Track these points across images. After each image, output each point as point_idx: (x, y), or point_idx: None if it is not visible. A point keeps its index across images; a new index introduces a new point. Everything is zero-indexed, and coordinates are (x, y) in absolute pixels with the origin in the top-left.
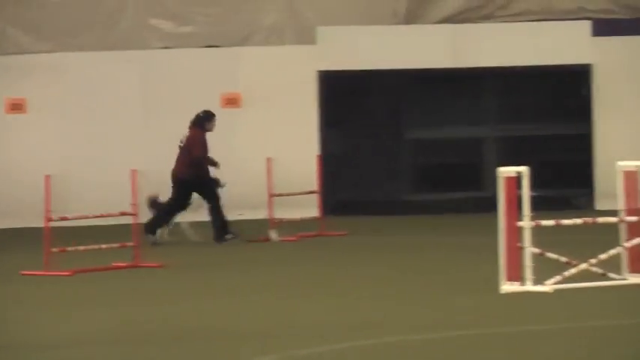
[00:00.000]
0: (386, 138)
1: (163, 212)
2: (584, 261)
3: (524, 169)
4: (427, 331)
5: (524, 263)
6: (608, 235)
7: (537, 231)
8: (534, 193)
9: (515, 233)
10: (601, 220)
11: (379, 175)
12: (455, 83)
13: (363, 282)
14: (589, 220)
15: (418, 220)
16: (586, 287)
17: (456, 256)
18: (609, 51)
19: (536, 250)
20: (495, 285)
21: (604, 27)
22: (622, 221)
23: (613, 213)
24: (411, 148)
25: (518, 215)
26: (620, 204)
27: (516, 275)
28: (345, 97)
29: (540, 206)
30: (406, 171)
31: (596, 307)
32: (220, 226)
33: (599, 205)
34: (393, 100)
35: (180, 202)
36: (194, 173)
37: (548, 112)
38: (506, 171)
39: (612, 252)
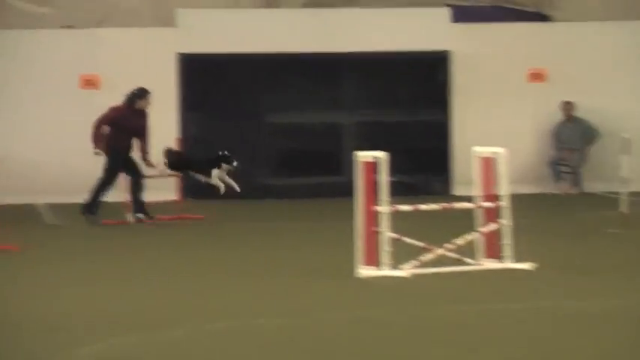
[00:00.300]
0: (246, 122)
1: (97, 191)
2: (441, 246)
3: (382, 155)
4: (281, 315)
5: (381, 248)
6: (465, 221)
7: (395, 216)
8: (392, 179)
9: (372, 218)
10: (458, 205)
11: (239, 159)
12: (316, 68)
13: (217, 267)
14: (446, 205)
15: (277, 205)
16: (442, 272)
17: (313, 241)
18: (467, 38)
19: (394, 235)
20: (352, 270)
21: (463, 14)
22: (478, 207)
23: (469, 199)
24: (270, 132)
25: (376, 200)
26: (476, 190)
27: (373, 260)
28: (205, 80)
29: (398, 191)
30: (266, 155)
31: (451, 291)
32: (93, 201)
33: (456, 190)
34: (253, 84)
35: (111, 175)
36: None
37: (407, 98)
38: (363, 156)
39: (468, 237)
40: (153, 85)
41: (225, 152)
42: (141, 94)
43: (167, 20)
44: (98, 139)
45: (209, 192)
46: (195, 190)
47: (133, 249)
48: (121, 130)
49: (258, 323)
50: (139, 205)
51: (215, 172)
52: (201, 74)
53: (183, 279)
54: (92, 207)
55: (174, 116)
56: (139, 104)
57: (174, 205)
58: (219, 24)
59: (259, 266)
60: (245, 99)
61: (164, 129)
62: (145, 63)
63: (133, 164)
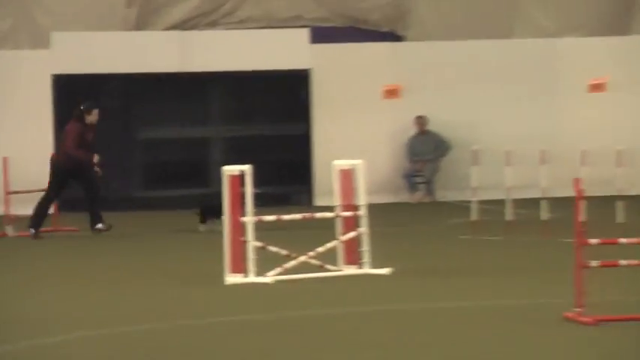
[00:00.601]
0: (118, 138)
1: (42, 203)
2: (304, 254)
3: (247, 168)
4: (151, 321)
5: (247, 256)
6: (326, 230)
7: (260, 226)
8: (257, 191)
9: (238, 228)
10: (319, 215)
11: (112, 173)
12: (183, 86)
13: (88, 276)
14: (308, 215)
15: (148, 216)
16: (305, 278)
17: (183, 250)
18: (326, 57)
19: (259, 244)
20: (220, 277)
21: (321, 35)
22: (338, 216)
23: (330, 209)
24: (141, 147)
25: (242, 211)
26: (336, 200)
27: (240, 268)
28: (79, 99)
29: (263, 203)
30: (137, 169)
31: (314, 296)
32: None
33: (318, 201)
34: (124, 102)
35: (56, 188)
36: (70, 162)
37: (271, 114)
38: (230, 170)
39: (329, 245)
40: (29, 105)
41: None
42: (89, 109)
43: (42, 43)
44: (84, 155)
45: (82, 205)
46: (71, 204)
47: (6, 260)
48: (82, 146)
49: (125, 331)
50: (97, 217)
51: None
52: (75, 94)
53: (53, 288)
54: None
55: (49, 134)
56: (88, 119)
57: (52, 218)
58: (92, 46)
59: (128, 274)
60: (117, 116)
61: (40, 146)
62: (21, 84)
63: (92, 178)
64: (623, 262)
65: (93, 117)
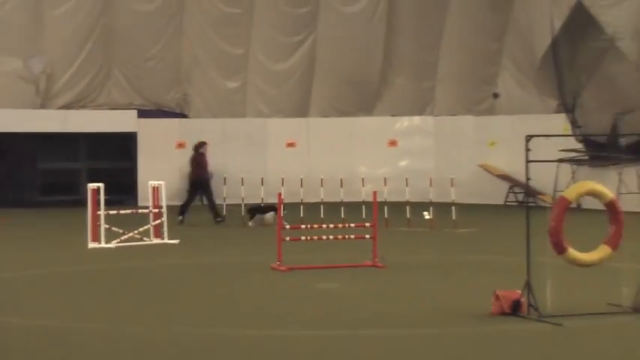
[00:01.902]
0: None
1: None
2: (132, 231)
3: (100, 185)
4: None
5: (100, 232)
6: (146, 217)
7: (108, 216)
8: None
9: (96, 218)
10: (140, 210)
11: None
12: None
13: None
14: (134, 210)
15: None
16: (132, 245)
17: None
18: (144, 124)
19: (107, 226)
20: (85, 245)
21: (142, 113)
22: (150, 211)
23: (146, 207)
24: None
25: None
26: (150, 202)
27: (96, 238)
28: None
29: (111, 204)
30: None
31: (135, 254)
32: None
33: (140, 203)
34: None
35: (193, 196)
36: (197, 178)
37: (115, 155)
38: (91, 186)
39: (146, 227)
40: None
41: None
42: (201, 145)
43: None
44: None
45: None
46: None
47: None
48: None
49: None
50: (214, 210)
51: None
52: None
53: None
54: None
55: None
56: (202, 150)
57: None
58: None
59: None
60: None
61: None
62: None
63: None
64: (302, 238)
65: (204, 149)
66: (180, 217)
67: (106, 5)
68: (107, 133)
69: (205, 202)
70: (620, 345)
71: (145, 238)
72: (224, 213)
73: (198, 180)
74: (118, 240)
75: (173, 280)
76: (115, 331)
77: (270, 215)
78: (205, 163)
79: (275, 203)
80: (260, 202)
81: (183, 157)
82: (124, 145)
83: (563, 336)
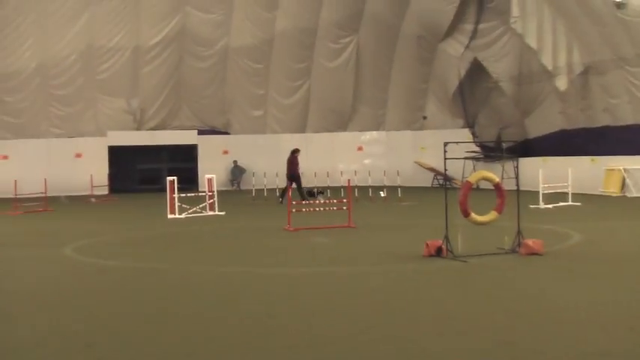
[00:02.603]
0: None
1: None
2: (194, 206)
3: (174, 178)
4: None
5: (176, 208)
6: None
7: (181, 197)
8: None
9: (173, 202)
10: (201, 194)
11: None
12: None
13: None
14: (196, 193)
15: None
16: (196, 216)
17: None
18: (202, 139)
19: (179, 204)
20: (165, 216)
21: (200, 130)
22: (207, 195)
23: (203, 192)
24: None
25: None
26: (206, 188)
27: (173, 211)
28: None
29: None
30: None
31: (197, 222)
32: (304, 193)
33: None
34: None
35: (289, 185)
36: (291, 173)
37: (186, 158)
38: (170, 179)
39: (204, 204)
40: None
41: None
42: (295, 151)
43: None
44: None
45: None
46: None
47: None
48: (294, 165)
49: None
50: (301, 194)
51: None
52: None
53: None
54: (282, 197)
55: None
56: (296, 154)
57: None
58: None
59: None
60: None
61: None
62: None
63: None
64: (303, 210)
65: (297, 154)
66: (280, 200)
67: (178, 64)
68: (179, 145)
69: (295, 187)
70: (503, 272)
71: (203, 211)
72: (281, 197)
73: (292, 174)
74: (187, 213)
75: (220, 236)
76: (183, 270)
77: (320, 195)
78: (297, 163)
79: (317, 187)
80: (310, 187)
81: (227, 160)
82: (189, 152)
83: (469, 269)
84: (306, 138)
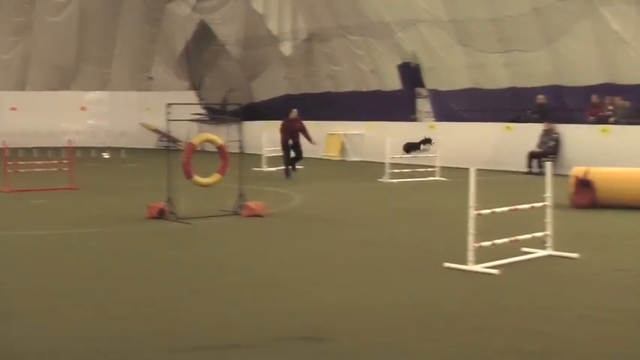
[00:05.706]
0: None
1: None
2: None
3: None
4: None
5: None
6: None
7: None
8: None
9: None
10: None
11: None
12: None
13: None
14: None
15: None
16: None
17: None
18: None
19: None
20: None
21: None
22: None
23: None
24: None
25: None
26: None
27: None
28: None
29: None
30: None
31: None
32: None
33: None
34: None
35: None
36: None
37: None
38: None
39: None
40: None
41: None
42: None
43: None
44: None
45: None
46: None
47: None
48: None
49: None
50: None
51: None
52: None
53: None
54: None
55: None
56: (291, 116)
57: None
58: None
59: None
60: None
61: None
62: None
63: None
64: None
65: (292, 115)
66: (292, 170)
67: None
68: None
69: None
70: (230, 233)
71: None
72: None
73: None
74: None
75: None
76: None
77: (423, 147)
78: (295, 128)
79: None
80: None
81: None
82: None
83: (192, 231)
84: (26, 96)
